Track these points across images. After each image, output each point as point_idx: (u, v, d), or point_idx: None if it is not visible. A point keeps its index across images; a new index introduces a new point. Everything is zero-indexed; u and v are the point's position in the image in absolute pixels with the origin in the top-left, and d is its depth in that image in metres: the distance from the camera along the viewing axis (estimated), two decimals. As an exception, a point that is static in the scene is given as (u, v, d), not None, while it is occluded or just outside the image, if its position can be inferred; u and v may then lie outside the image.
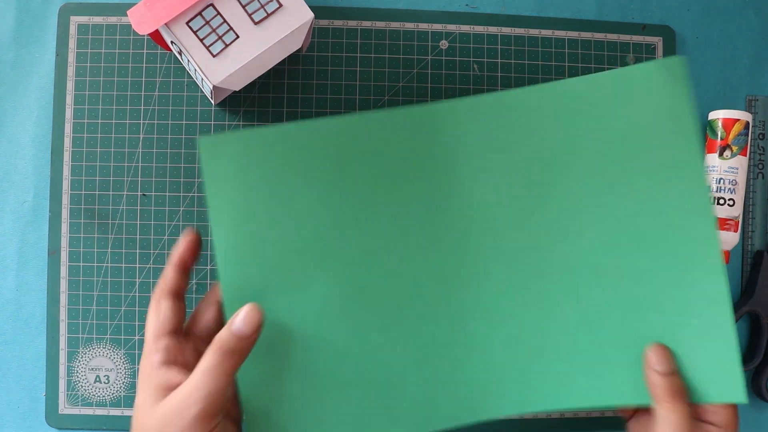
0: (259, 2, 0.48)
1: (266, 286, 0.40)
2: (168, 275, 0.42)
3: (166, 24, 0.47)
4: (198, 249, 0.43)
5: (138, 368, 0.45)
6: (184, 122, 0.55)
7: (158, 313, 0.40)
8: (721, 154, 0.56)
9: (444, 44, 0.57)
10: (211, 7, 0.47)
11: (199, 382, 0.37)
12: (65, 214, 0.54)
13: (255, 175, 0.40)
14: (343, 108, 0.56)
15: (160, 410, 0.37)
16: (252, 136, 0.40)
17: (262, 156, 0.40)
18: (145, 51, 0.55)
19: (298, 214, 0.40)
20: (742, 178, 0.56)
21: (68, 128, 0.55)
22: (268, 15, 0.48)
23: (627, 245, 0.39)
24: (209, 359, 0.37)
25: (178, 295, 0.41)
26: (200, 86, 0.54)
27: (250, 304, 0.38)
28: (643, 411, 0.41)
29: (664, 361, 0.37)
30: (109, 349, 0.54)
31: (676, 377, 0.37)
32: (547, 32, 0.57)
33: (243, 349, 0.38)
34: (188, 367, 0.39)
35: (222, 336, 0.38)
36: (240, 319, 0.38)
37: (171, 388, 0.38)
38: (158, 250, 0.55)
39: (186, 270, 0.42)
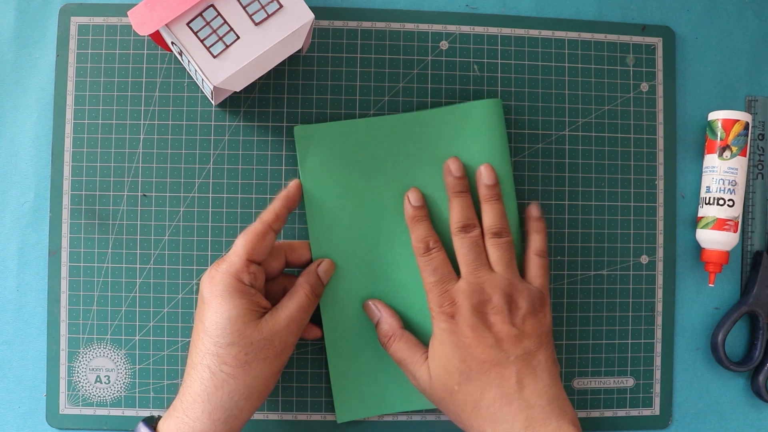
0: (260, 3, 0.48)
1: (337, 242, 0.53)
2: (277, 209, 0.50)
3: (166, 25, 0.47)
4: (300, 196, 0.52)
5: (206, 280, 0.48)
6: (184, 123, 0.55)
7: (263, 241, 0.48)
8: (720, 155, 0.56)
9: (444, 45, 0.57)
10: (211, 8, 0.47)
11: (294, 314, 0.48)
12: (66, 214, 0.55)
13: (332, 156, 0.54)
14: (344, 109, 0.56)
15: (265, 328, 0.47)
16: (332, 127, 0.54)
17: (338, 144, 0.54)
18: (145, 52, 0.55)
19: (356, 196, 0.54)
20: (741, 179, 0.56)
21: (69, 128, 0.55)
22: (269, 16, 0.48)
23: None
24: (303, 300, 0.49)
25: (276, 233, 0.50)
26: (200, 87, 0.54)
27: (329, 260, 0.53)
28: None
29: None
30: (110, 350, 0.54)
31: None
32: (547, 33, 0.57)
33: (321, 292, 0.52)
34: (261, 290, 0.49)
35: (313, 280, 0.50)
36: (323, 266, 0.52)
37: (261, 308, 0.48)
38: (158, 250, 0.55)
39: (289, 211, 0.51)
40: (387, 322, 0.52)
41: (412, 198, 0.53)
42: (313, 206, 0.53)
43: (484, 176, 0.52)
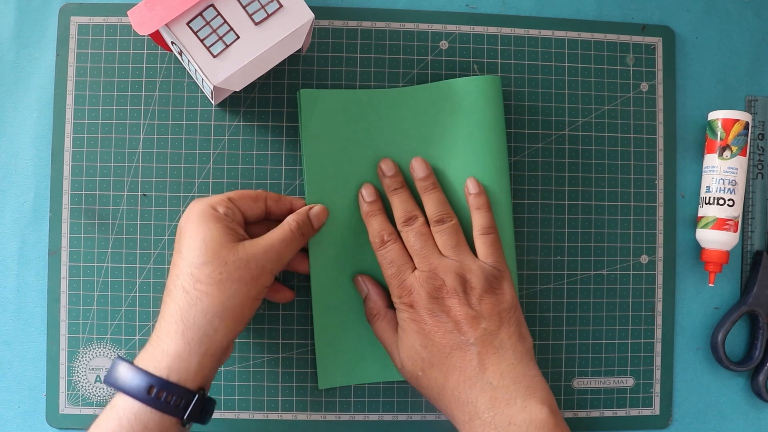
0: (260, 3, 0.48)
1: (332, 208, 0.54)
2: (284, 198, 0.52)
3: (166, 24, 0.47)
4: (309, 225, 0.52)
5: (183, 215, 0.48)
6: (184, 122, 0.55)
7: (251, 199, 0.50)
8: (720, 155, 0.56)
9: (444, 45, 0.57)
10: (211, 8, 0.47)
11: (275, 243, 0.48)
12: (65, 214, 0.55)
13: (333, 123, 0.54)
14: (344, 108, 0.56)
15: (241, 250, 0.46)
16: (335, 94, 0.54)
17: (341, 111, 0.54)
18: (145, 51, 0.55)
19: (353, 164, 0.54)
20: (741, 179, 0.56)
21: (68, 128, 0.55)
22: (269, 15, 0.48)
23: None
24: (286, 233, 0.49)
25: (266, 207, 0.51)
26: (200, 86, 0.54)
27: (322, 205, 0.53)
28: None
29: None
30: (110, 349, 0.54)
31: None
32: (547, 32, 0.57)
33: (309, 233, 0.51)
34: (240, 225, 0.49)
35: (301, 219, 0.50)
36: (316, 209, 0.52)
37: (237, 235, 0.47)
38: (158, 250, 0.55)
39: (287, 213, 0.52)
40: (373, 300, 0.53)
41: (366, 194, 0.53)
42: (311, 171, 0.53)
43: (416, 170, 0.53)
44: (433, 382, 0.49)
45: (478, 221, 0.52)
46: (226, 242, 0.46)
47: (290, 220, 0.50)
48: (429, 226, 0.52)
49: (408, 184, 0.54)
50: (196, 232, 0.46)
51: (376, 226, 0.52)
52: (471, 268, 0.50)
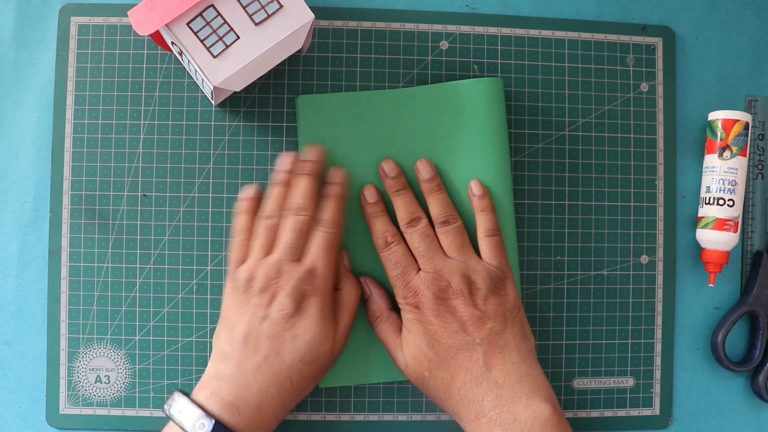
0: (260, 3, 0.48)
1: None
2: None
3: (166, 25, 0.47)
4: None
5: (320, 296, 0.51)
6: (184, 123, 0.55)
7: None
8: (720, 155, 0.56)
9: (444, 45, 0.57)
10: (211, 8, 0.47)
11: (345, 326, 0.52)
12: (66, 214, 0.55)
13: (333, 127, 0.54)
14: (344, 108, 0.56)
15: (337, 348, 0.51)
16: (334, 98, 0.54)
17: (340, 115, 0.54)
18: (145, 51, 0.55)
19: (354, 167, 0.54)
20: (741, 179, 0.56)
21: (69, 128, 0.55)
22: (269, 16, 0.48)
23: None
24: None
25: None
26: (200, 87, 0.54)
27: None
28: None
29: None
30: (110, 349, 0.54)
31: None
32: (547, 33, 0.57)
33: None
34: None
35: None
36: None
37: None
38: (158, 250, 0.55)
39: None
40: (375, 302, 0.53)
41: (368, 195, 0.53)
42: None
43: (422, 171, 0.53)
44: (439, 382, 0.49)
45: (483, 223, 0.52)
46: (330, 340, 0.50)
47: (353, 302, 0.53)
48: (432, 227, 0.52)
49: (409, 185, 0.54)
50: (319, 332, 0.49)
51: (379, 227, 0.52)
52: (476, 269, 0.50)
